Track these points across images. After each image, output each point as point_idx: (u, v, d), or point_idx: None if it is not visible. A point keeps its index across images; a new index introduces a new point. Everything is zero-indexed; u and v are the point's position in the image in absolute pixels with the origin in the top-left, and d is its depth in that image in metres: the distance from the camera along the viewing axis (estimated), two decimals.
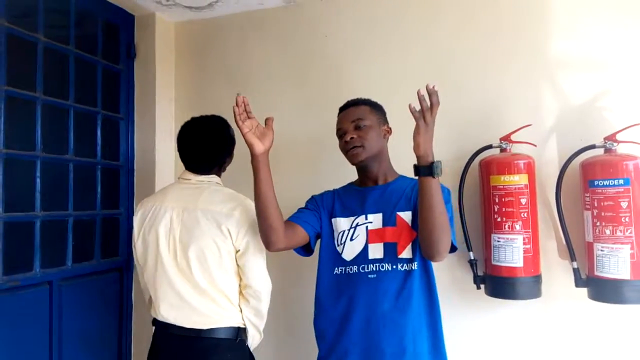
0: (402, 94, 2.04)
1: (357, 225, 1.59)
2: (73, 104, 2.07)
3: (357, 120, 1.60)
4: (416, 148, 1.35)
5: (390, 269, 1.52)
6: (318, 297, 1.62)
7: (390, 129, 1.68)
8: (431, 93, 1.33)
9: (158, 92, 2.34)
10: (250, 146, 1.43)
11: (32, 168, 1.87)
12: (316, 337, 1.62)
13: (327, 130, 2.21)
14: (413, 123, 1.36)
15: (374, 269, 1.54)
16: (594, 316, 1.82)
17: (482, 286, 1.89)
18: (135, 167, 2.34)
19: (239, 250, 1.60)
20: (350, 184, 1.72)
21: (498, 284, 1.81)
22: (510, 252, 1.77)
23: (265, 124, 1.50)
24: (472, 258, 1.91)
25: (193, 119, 1.75)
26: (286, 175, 2.27)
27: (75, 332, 1.99)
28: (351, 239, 1.59)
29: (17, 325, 1.77)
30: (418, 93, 1.33)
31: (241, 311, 1.63)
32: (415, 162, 1.37)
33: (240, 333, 1.63)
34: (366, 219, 1.58)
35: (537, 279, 1.78)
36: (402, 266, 1.53)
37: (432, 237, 1.40)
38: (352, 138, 1.58)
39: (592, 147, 1.76)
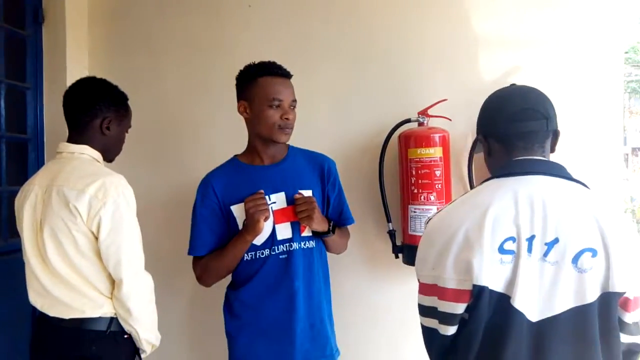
0: (325, 67, 2.07)
1: None
2: None
3: (294, 101, 1.59)
4: (316, 229, 1.58)
5: (297, 247, 1.57)
6: (233, 281, 1.67)
7: None
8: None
9: (69, 60, 2.19)
10: (256, 229, 1.50)
11: None
12: (224, 314, 1.65)
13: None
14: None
15: (284, 249, 1.57)
16: None
17: (400, 255, 1.97)
18: (45, 140, 2.20)
19: (93, 231, 1.42)
20: (237, 161, 1.67)
21: (414, 252, 1.87)
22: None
23: None
24: (391, 229, 1.97)
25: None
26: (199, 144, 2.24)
27: None
28: None
29: None
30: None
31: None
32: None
33: (114, 324, 1.47)
34: (269, 199, 1.57)
35: None
36: (305, 244, 1.59)
37: (338, 253, 1.79)
38: (292, 118, 1.58)
39: None
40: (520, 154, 1.12)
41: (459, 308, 1.06)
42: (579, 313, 1.00)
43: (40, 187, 1.48)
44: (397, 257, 1.97)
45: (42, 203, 1.46)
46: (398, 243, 1.97)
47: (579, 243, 1.00)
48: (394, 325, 2.04)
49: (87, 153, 1.51)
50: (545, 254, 1.01)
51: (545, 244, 1.02)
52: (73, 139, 1.53)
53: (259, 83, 1.56)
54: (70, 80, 2.18)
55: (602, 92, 1.88)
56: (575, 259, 1.00)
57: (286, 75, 1.60)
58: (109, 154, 1.59)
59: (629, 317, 1.02)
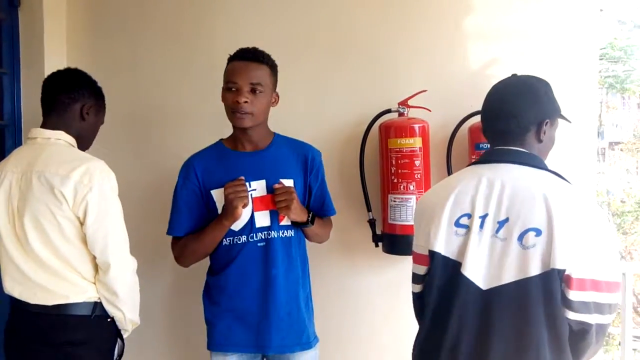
0: (306, 56, 2.07)
1: None
2: None
3: (256, 84, 1.54)
4: (295, 219, 1.58)
5: (276, 236, 1.59)
6: (211, 267, 1.68)
7: (278, 96, 1.66)
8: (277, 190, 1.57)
9: (47, 45, 2.14)
10: (234, 215, 1.51)
11: None
12: (204, 300, 1.67)
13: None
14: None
15: (263, 237, 1.59)
16: None
17: (380, 244, 1.99)
18: (22, 127, 2.17)
19: (79, 216, 1.43)
20: (222, 146, 1.67)
21: (393, 241, 1.92)
22: (405, 211, 1.87)
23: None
24: (371, 218, 2.00)
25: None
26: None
27: None
28: None
29: None
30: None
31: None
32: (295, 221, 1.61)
33: (98, 308, 1.49)
34: (250, 186, 1.57)
35: None
36: (283, 233, 1.61)
37: (320, 242, 1.78)
38: (245, 102, 1.53)
39: (478, 113, 1.88)
40: (500, 145, 1.26)
41: (421, 269, 1.30)
42: (521, 285, 1.12)
43: (14, 173, 1.46)
44: (377, 245, 1.99)
45: (18, 189, 1.45)
46: (378, 232, 1.99)
47: (525, 223, 1.13)
48: (374, 313, 2.07)
49: (63, 139, 1.50)
50: (497, 231, 1.16)
51: (498, 222, 1.17)
52: (49, 124, 1.52)
53: (227, 67, 1.59)
54: (47, 65, 2.16)
55: (578, 87, 1.92)
56: (520, 237, 1.13)
57: (253, 58, 1.57)
58: (82, 144, 1.58)
59: (572, 295, 1.11)
